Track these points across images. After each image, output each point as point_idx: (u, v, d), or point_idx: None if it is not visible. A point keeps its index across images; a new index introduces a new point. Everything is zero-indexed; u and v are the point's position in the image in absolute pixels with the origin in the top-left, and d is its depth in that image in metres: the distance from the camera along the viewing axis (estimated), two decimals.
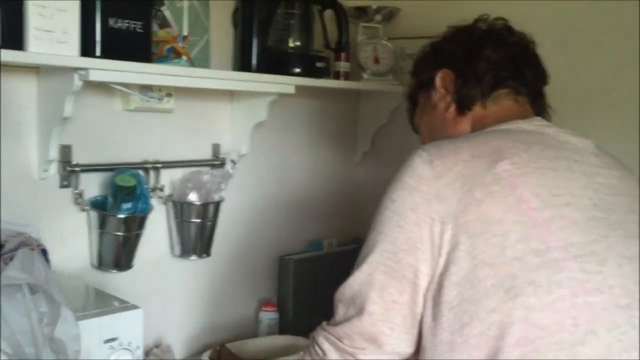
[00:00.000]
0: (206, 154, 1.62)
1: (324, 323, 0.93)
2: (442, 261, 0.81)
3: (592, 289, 0.78)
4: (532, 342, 0.75)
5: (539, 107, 1.04)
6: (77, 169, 1.33)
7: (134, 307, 1.17)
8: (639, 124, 1.49)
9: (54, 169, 1.32)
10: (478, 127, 1.00)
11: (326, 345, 0.88)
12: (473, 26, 1.08)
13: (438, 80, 1.05)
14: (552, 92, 1.09)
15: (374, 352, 0.85)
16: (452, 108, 1.03)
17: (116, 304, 1.20)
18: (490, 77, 1.00)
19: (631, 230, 0.84)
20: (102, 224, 1.35)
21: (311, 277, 1.84)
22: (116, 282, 1.43)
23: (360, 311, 0.85)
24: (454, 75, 1.03)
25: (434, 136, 1.05)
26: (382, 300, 0.84)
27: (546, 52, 1.10)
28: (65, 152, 1.33)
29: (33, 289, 0.98)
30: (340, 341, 0.87)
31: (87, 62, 1.15)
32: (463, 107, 1.02)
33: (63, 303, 1.00)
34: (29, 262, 1.02)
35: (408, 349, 0.85)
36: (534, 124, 0.95)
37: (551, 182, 0.83)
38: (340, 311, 0.88)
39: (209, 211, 1.52)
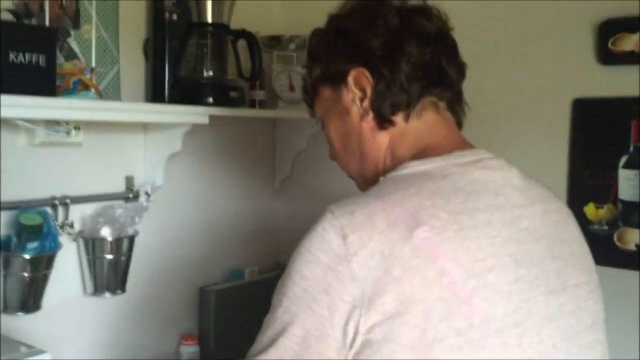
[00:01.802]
0: (119, 187, 1.58)
1: None
2: (356, 345, 0.74)
3: None
4: None
5: (458, 108, 0.95)
6: None
7: (40, 351, 1.12)
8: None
9: None
10: (397, 144, 0.91)
11: None
12: (385, 5, 0.92)
13: (351, 79, 0.91)
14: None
15: None
16: (370, 117, 0.91)
17: (22, 349, 1.14)
18: (417, 87, 0.89)
19: (551, 283, 0.82)
20: (6, 265, 1.29)
21: (233, 307, 1.82)
22: (23, 325, 1.36)
23: None
24: (371, 78, 0.90)
25: (347, 145, 0.96)
26: None
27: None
28: None
29: None
30: None
31: None
32: (384, 119, 0.90)
33: None
34: None
35: None
36: (450, 161, 0.85)
37: (473, 246, 0.77)
38: None
39: (123, 246, 1.48)
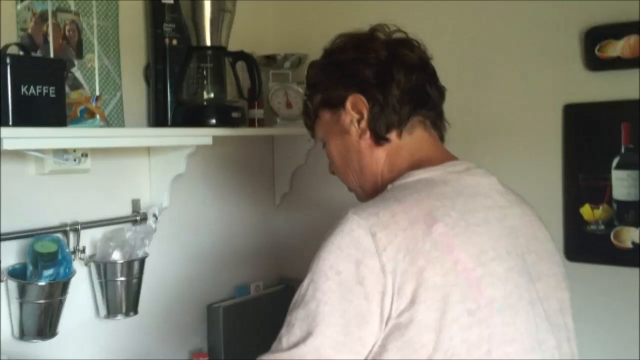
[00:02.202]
0: (126, 210, 1.60)
1: None
2: (387, 328, 0.84)
3: (509, 339, 0.88)
4: None
5: (440, 125, 1.07)
6: None
7: None
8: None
9: None
10: (393, 158, 1.02)
11: None
12: (373, 40, 1.06)
13: (349, 104, 1.03)
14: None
15: None
16: (367, 135, 1.03)
17: None
18: (407, 109, 1.01)
19: (531, 273, 0.95)
20: (22, 293, 1.31)
21: (241, 322, 1.84)
22: (40, 351, 1.38)
23: None
24: (367, 102, 1.02)
25: (348, 161, 1.06)
26: None
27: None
28: None
29: None
30: None
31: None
32: (380, 137, 1.02)
33: None
34: None
35: None
36: (445, 170, 0.98)
37: (478, 239, 0.90)
38: None
39: (134, 268, 1.51)
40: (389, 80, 1.01)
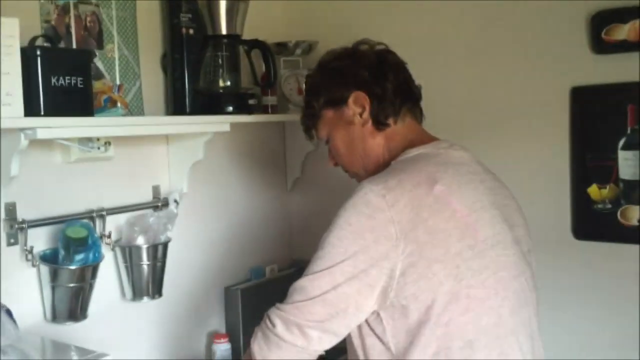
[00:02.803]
0: (147, 196, 1.65)
1: (278, 303, 1.07)
2: (399, 267, 1.02)
3: (501, 267, 1.10)
4: (472, 309, 1.05)
5: (420, 116, 1.27)
6: (24, 225, 1.34)
7: (103, 354, 1.19)
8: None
9: None
10: (391, 141, 1.21)
11: (277, 320, 1.04)
12: (360, 50, 1.25)
13: (352, 99, 1.20)
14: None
15: (319, 328, 1.03)
16: (369, 124, 1.21)
17: (86, 354, 1.21)
18: (398, 101, 1.21)
19: (508, 221, 1.16)
20: (54, 277, 1.36)
21: (257, 304, 1.88)
22: (72, 333, 1.43)
23: (313, 299, 1.02)
24: (367, 97, 1.20)
25: (353, 149, 1.23)
26: (336, 293, 1.02)
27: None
28: (10, 210, 1.33)
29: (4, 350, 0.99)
30: (291, 316, 1.03)
31: (33, 121, 1.18)
32: (380, 124, 1.21)
33: None
34: None
35: (345, 331, 1.06)
36: (434, 146, 1.18)
37: (467, 194, 1.11)
38: (295, 296, 1.04)
39: (158, 252, 1.56)
40: (383, 78, 1.21)
